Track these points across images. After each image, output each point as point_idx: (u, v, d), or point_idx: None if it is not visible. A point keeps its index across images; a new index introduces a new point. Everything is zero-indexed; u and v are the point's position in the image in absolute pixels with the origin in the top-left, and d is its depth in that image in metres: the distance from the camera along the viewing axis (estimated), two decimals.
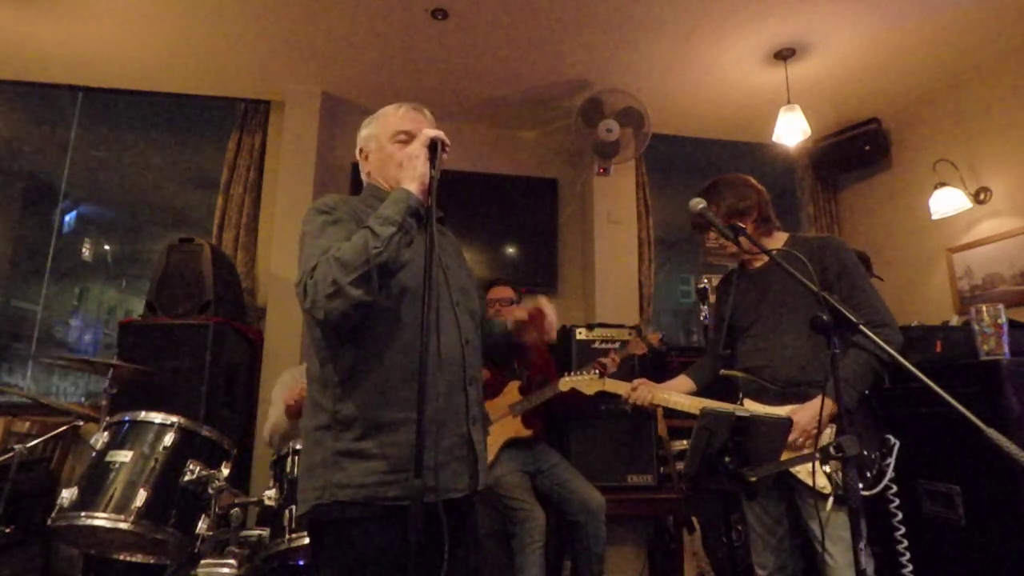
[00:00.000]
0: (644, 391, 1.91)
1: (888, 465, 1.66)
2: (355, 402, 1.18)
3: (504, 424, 2.55)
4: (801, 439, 1.64)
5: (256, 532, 1.90)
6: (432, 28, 2.94)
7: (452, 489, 1.20)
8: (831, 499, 1.58)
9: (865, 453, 1.64)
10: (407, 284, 1.23)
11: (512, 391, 2.61)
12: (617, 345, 2.83)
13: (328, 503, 1.14)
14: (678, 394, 1.91)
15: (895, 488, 1.73)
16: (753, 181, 1.92)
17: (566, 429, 2.80)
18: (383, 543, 1.13)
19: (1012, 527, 1.90)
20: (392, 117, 1.38)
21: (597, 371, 2.31)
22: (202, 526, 1.70)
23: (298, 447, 1.83)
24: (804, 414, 1.65)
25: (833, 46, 3.07)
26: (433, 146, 1.20)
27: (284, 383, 2.66)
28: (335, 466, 1.15)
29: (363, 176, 1.44)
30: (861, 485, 1.59)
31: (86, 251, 3.69)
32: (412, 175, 1.19)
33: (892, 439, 1.69)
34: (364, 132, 1.42)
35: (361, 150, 1.43)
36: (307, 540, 1.67)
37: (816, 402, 1.65)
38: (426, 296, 1.06)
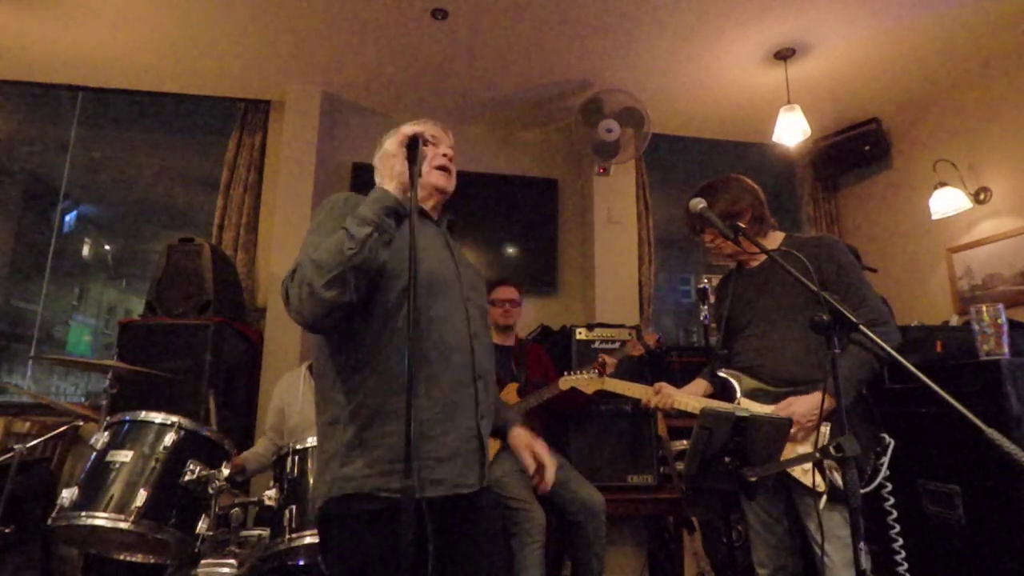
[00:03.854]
0: (664, 397, 1.88)
1: (882, 464, 1.66)
2: (359, 395, 1.18)
3: None
4: (795, 430, 1.64)
5: (256, 532, 1.90)
6: (432, 28, 2.94)
7: (462, 484, 1.19)
8: (824, 497, 1.59)
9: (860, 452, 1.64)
10: (417, 275, 1.21)
11: (510, 393, 2.61)
12: (617, 346, 2.83)
13: (337, 497, 1.15)
14: (696, 398, 1.89)
15: (890, 487, 1.74)
16: (748, 182, 1.92)
17: (566, 429, 2.80)
18: (387, 537, 1.10)
19: (1012, 527, 1.90)
20: (405, 126, 1.38)
21: (596, 370, 2.32)
22: (202, 526, 1.69)
23: (298, 447, 1.83)
24: (800, 406, 1.66)
25: (833, 46, 3.07)
26: (413, 143, 1.19)
27: (284, 387, 2.66)
28: (343, 459, 1.16)
29: (379, 178, 1.42)
30: None
31: (86, 251, 3.69)
32: (389, 174, 1.19)
33: (887, 438, 1.69)
34: (385, 141, 1.42)
35: (380, 155, 1.42)
36: (307, 540, 1.67)
37: (812, 395, 1.66)
38: (411, 290, 1.04)
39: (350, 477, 1.14)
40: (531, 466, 1.35)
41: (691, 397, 1.89)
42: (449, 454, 1.18)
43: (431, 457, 1.15)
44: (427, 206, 1.37)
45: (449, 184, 1.39)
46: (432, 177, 1.36)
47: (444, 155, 1.38)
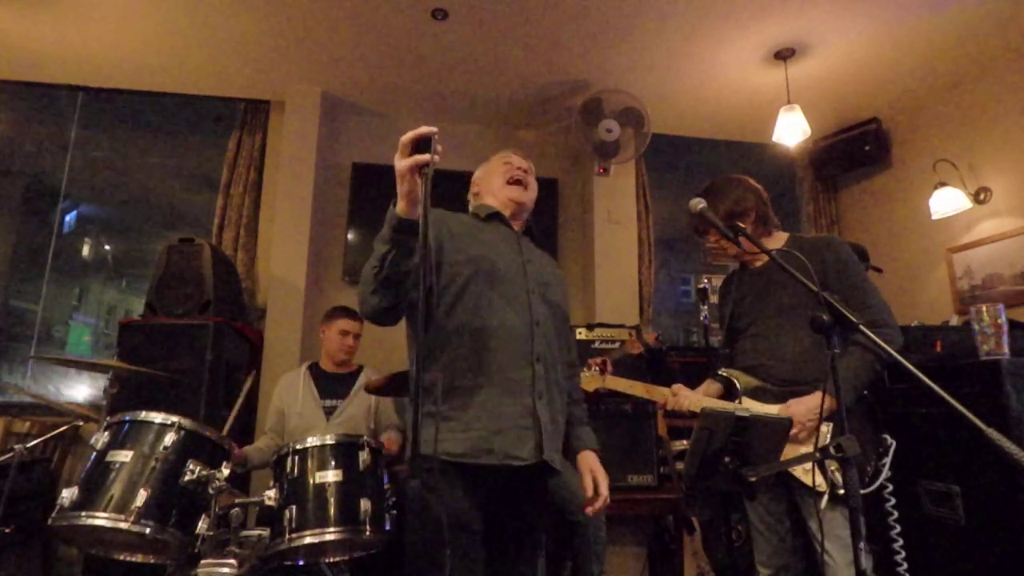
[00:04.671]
0: (682, 399, 1.87)
1: (884, 465, 1.66)
2: (431, 372, 1.35)
3: None
4: (799, 433, 1.65)
5: (256, 532, 1.90)
6: (432, 28, 2.94)
7: (513, 456, 1.32)
8: (825, 497, 1.59)
9: (862, 453, 1.64)
10: (472, 269, 1.41)
11: None
12: (617, 345, 2.83)
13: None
14: (711, 399, 1.88)
15: (891, 487, 1.74)
16: (752, 182, 1.92)
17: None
18: (447, 498, 1.26)
19: (1012, 527, 1.90)
20: (500, 153, 1.72)
21: (599, 368, 2.31)
22: (202, 526, 1.69)
23: (298, 447, 1.83)
24: (800, 406, 1.66)
25: (833, 46, 3.07)
26: (425, 145, 1.18)
27: (284, 388, 2.67)
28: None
29: (472, 203, 1.70)
30: None
31: (86, 251, 3.69)
32: (400, 192, 1.23)
33: (888, 439, 1.69)
34: (476, 174, 1.73)
35: (473, 182, 1.73)
36: (307, 540, 1.68)
37: (813, 395, 1.66)
38: (422, 282, 1.07)
39: (424, 440, 1.29)
40: (588, 488, 1.49)
41: (708, 399, 1.89)
42: (502, 428, 1.32)
43: (486, 430, 1.31)
44: (506, 213, 1.60)
45: (520, 195, 1.61)
46: (506, 191, 1.60)
47: (519, 168, 1.63)
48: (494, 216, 1.58)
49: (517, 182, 1.62)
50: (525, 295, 1.45)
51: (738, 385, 1.83)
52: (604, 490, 1.48)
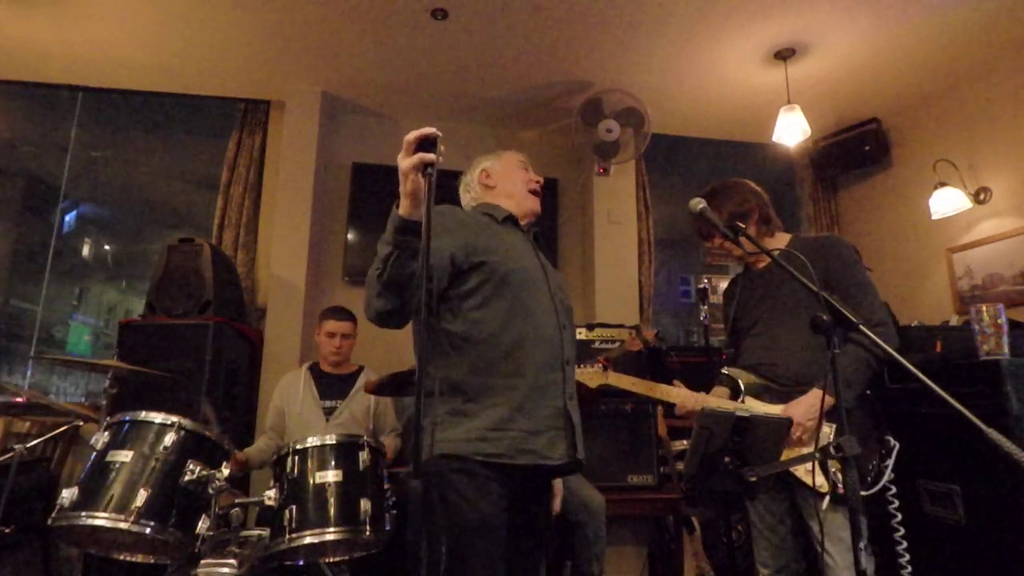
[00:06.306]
0: (685, 399, 1.85)
1: (887, 466, 1.67)
2: (461, 371, 1.36)
3: None
4: (798, 433, 1.65)
5: (256, 532, 1.90)
6: (432, 28, 2.94)
7: (548, 457, 1.35)
8: (827, 498, 1.59)
9: (865, 454, 1.64)
10: (505, 270, 1.40)
11: None
12: (616, 345, 2.83)
13: (432, 458, 1.29)
14: (724, 401, 1.86)
15: (894, 489, 1.74)
16: (752, 184, 1.94)
17: None
18: (475, 498, 1.27)
19: (1012, 527, 1.90)
20: (513, 152, 1.73)
21: (601, 365, 2.31)
22: (202, 526, 1.69)
23: (298, 447, 1.83)
24: (799, 408, 1.66)
25: (833, 46, 3.07)
26: (430, 144, 1.18)
27: (284, 388, 2.67)
28: (441, 424, 1.32)
29: (477, 192, 1.67)
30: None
31: (86, 251, 3.69)
32: (403, 191, 1.21)
33: (892, 440, 1.69)
34: (487, 163, 1.69)
35: (483, 171, 1.68)
36: (307, 540, 1.67)
37: (810, 395, 1.66)
38: (423, 282, 1.06)
39: (447, 439, 1.31)
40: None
41: (710, 398, 1.89)
42: (539, 429, 1.35)
43: (523, 430, 1.33)
44: (521, 221, 1.61)
45: (538, 206, 1.65)
46: (528, 202, 1.63)
47: (536, 182, 1.65)
48: (509, 219, 1.58)
49: (535, 193, 1.65)
50: (550, 299, 1.48)
51: (741, 384, 1.83)
52: (555, 506, 1.68)
